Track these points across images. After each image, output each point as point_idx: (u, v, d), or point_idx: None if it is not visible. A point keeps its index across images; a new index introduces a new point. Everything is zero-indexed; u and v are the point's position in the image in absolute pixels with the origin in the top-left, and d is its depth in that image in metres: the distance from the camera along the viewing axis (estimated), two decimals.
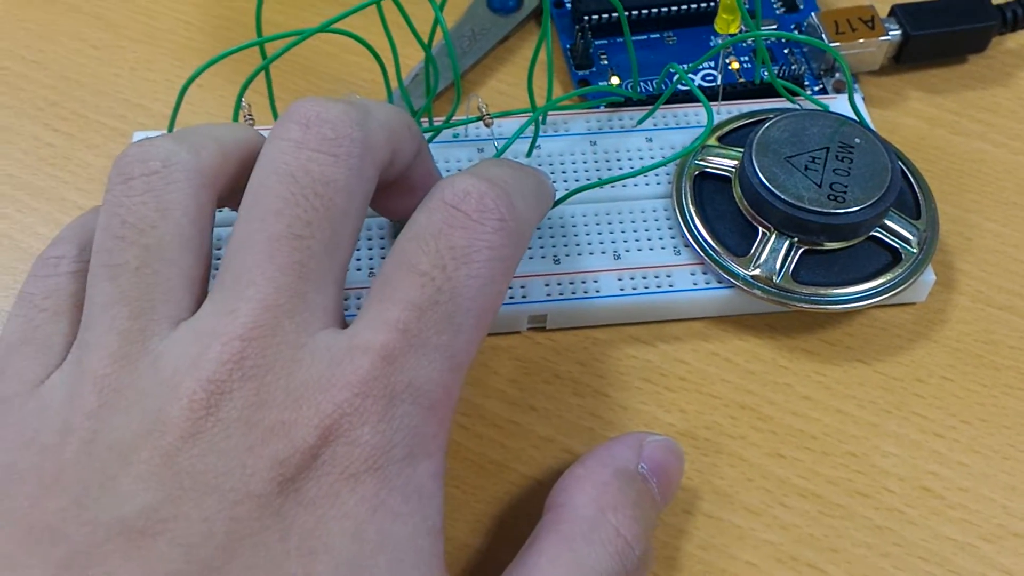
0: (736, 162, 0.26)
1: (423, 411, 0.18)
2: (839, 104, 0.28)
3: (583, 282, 0.25)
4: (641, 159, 0.27)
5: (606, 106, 0.28)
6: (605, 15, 0.31)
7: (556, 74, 0.31)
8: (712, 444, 0.24)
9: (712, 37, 0.31)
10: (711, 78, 0.30)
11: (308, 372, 0.17)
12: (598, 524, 0.19)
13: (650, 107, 0.28)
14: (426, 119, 0.27)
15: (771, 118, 0.26)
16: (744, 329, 0.26)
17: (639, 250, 0.25)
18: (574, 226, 0.26)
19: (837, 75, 0.30)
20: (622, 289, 0.25)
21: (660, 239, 0.26)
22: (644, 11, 0.31)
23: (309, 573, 0.16)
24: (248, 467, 0.16)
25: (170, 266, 0.18)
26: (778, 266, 0.24)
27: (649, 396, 0.24)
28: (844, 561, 0.22)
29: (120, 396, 0.17)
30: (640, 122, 0.28)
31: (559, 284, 0.25)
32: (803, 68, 0.30)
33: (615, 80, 0.30)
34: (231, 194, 0.20)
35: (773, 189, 0.24)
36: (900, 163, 0.26)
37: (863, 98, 0.29)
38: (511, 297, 0.25)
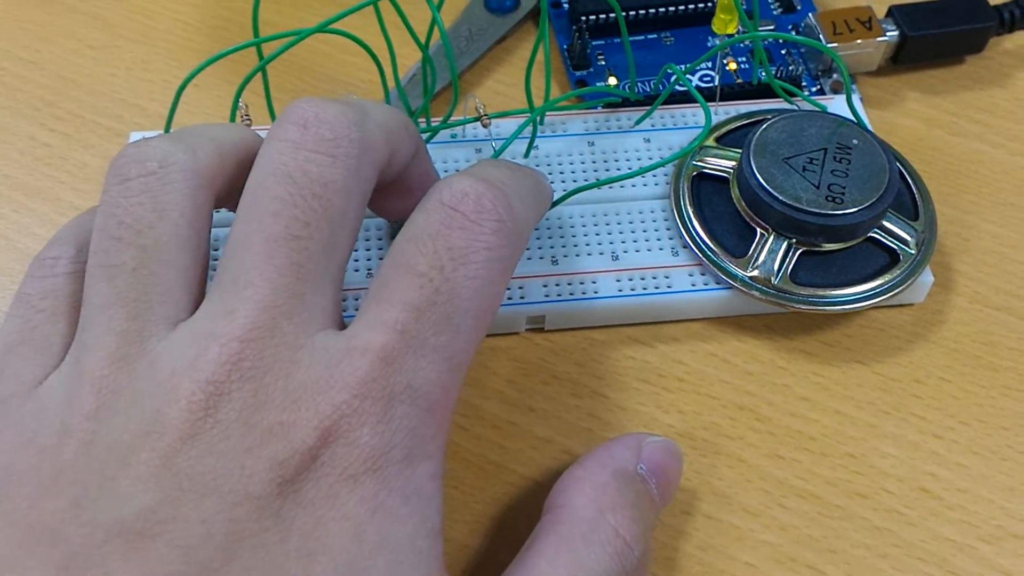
0: (734, 163, 0.26)
1: (422, 412, 0.18)
2: (837, 105, 0.28)
3: (581, 283, 0.25)
4: (639, 160, 0.27)
5: (604, 107, 0.28)
6: (603, 15, 0.31)
7: (554, 74, 0.31)
8: (711, 445, 0.24)
9: (710, 38, 0.31)
10: (709, 79, 0.30)
11: (307, 373, 0.17)
12: (597, 525, 0.19)
13: (648, 108, 0.28)
14: (423, 119, 0.27)
15: (769, 119, 0.26)
16: (742, 330, 0.26)
17: (637, 251, 0.25)
18: (572, 227, 0.26)
19: (835, 76, 0.30)
20: (620, 290, 0.25)
21: (658, 240, 0.26)
22: (642, 11, 0.31)
23: (308, 574, 0.16)
24: (247, 468, 0.16)
25: (167, 267, 0.18)
26: (776, 267, 0.24)
27: (647, 397, 0.24)
28: (843, 562, 0.22)
29: (118, 397, 0.17)
30: (638, 123, 0.28)
31: (557, 285, 0.25)
32: (801, 69, 0.30)
33: (613, 81, 0.30)
34: (228, 195, 0.20)
35: (771, 190, 0.24)
36: (898, 164, 0.26)
37: (861, 99, 0.30)
38: (509, 298, 0.24)
